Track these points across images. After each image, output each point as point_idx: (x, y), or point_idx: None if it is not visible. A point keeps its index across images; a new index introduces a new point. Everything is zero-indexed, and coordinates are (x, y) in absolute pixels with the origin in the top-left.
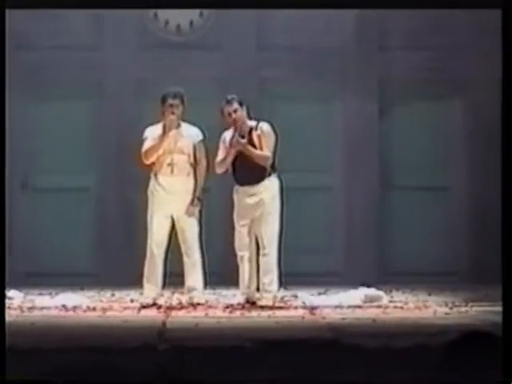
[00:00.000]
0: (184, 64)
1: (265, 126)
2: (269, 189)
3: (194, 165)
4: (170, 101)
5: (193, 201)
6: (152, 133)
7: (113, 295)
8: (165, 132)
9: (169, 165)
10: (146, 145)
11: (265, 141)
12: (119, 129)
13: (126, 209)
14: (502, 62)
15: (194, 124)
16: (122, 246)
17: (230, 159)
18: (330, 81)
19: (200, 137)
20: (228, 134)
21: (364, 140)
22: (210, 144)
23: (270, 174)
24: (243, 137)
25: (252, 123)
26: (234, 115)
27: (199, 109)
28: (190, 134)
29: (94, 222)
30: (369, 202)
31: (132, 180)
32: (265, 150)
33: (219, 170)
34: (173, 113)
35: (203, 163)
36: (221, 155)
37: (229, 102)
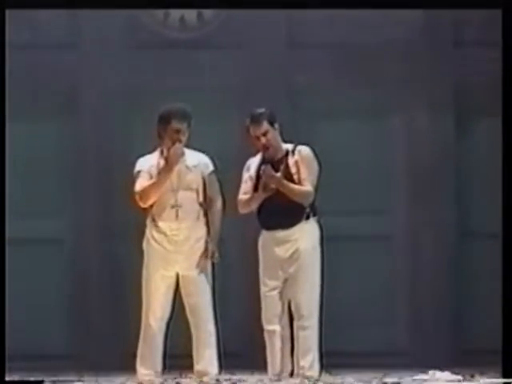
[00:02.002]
0: (190, 69)
1: (305, 150)
2: (307, 235)
3: (204, 205)
4: (177, 124)
5: (206, 252)
6: (148, 165)
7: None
8: (168, 165)
9: (173, 207)
10: (142, 182)
11: (305, 169)
12: (101, 157)
13: (112, 267)
14: (502, 61)
15: (199, 150)
16: (106, 318)
17: (259, 200)
18: (387, 89)
19: (210, 167)
20: (255, 162)
21: (435, 169)
22: (226, 175)
23: (308, 217)
24: (276, 169)
25: (287, 146)
26: (263, 139)
27: (211, 128)
28: (197, 165)
29: (70, 284)
30: (441, 256)
31: (119, 227)
32: (305, 183)
33: (244, 210)
34: (180, 141)
35: (218, 202)
36: (246, 189)
37: (256, 122)
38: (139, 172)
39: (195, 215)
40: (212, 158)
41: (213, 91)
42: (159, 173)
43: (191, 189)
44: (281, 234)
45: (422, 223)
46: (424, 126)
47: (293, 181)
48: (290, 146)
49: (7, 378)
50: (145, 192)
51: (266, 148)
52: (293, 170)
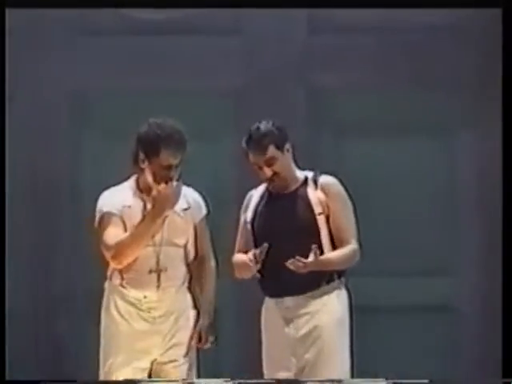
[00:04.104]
0: (170, 63)
1: (333, 184)
2: (330, 305)
3: (193, 266)
4: (169, 158)
5: (198, 335)
6: (118, 204)
7: None
8: (157, 209)
9: (153, 271)
10: (116, 232)
11: (341, 214)
12: (38, 189)
13: (56, 349)
14: (501, 62)
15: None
16: None
17: (258, 267)
18: (441, 96)
19: (203, 211)
20: (254, 199)
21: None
22: (219, 216)
23: (331, 279)
24: (289, 205)
25: (305, 173)
26: (267, 171)
27: (199, 149)
28: (187, 208)
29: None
30: None
31: (66, 294)
32: (345, 236)
33: (242, 275)
34: (170, 179)
35: (211, 261)
36: (242, 243)
37: (257, 147)
38: (107, 215)
39: (181, 281)
40: (204, 197)
41: (200, 94)
42: (143, 219)
43: (177, 244)
44: (291, 303)
45: (497, 289)
46: (499, 147)
47: (315, 222)
48: (308, 174)
49: None
50: (121, 247)
51: (271, 180)
52: (317, 208)
